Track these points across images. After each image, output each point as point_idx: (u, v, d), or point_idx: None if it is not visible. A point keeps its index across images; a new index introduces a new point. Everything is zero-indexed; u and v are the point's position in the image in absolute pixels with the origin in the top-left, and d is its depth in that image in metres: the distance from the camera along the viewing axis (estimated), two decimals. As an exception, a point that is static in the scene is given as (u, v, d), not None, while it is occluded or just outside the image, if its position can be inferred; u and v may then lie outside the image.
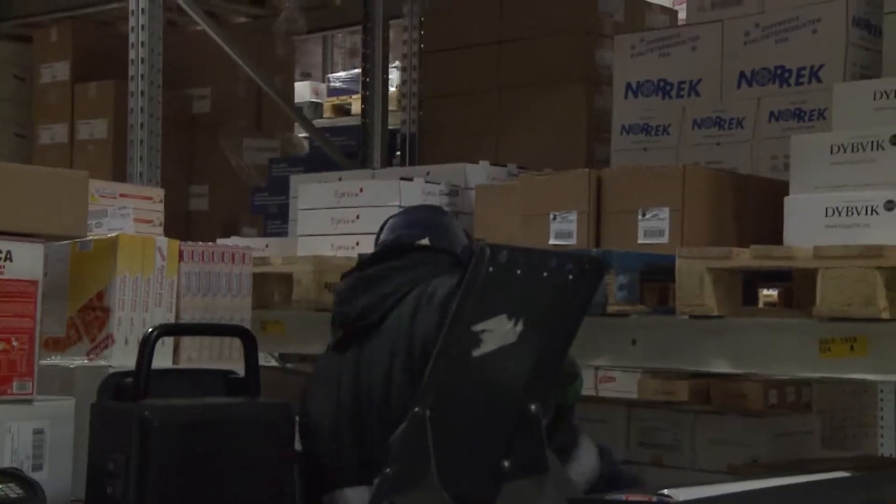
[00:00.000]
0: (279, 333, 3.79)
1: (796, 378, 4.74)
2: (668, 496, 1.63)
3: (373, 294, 2.62)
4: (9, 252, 2.34)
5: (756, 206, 3.41)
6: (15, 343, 2.34)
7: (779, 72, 3.95)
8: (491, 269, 1.70)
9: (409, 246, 2.73)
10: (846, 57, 3.79)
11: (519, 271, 1.75)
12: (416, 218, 2.86)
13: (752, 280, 3.59)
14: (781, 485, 1.74)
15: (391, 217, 2.95)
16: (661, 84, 4.22)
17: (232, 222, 5.61)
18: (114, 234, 2.70)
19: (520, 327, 1.78)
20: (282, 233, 4.76)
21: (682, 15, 5.24)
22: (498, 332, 1.77)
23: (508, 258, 1.72)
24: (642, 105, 4.25)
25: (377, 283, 2.65)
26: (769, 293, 5.46)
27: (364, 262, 2.79)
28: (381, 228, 2.90)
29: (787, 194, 3.16)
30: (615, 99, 4.35)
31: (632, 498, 1.63)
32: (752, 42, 4.01)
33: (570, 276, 1.79)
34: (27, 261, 2.37)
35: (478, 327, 1.76)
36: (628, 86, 4.29)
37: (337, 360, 2.66)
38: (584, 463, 2.56)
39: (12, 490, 2.12)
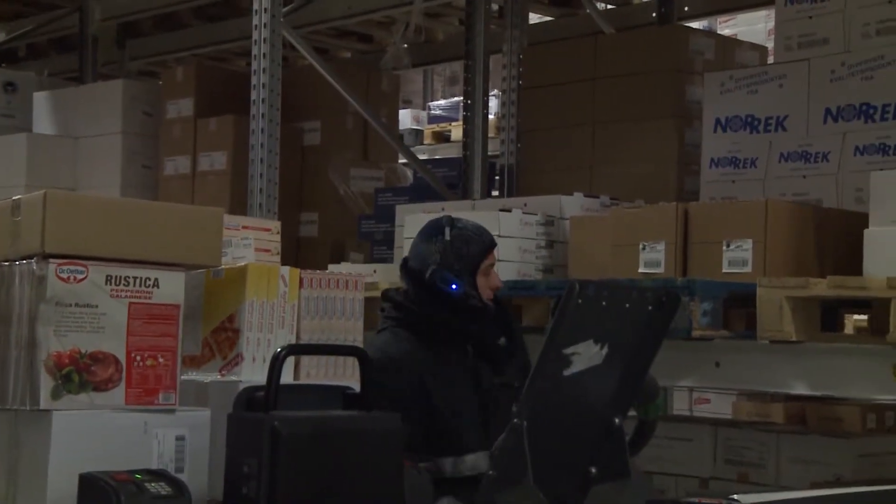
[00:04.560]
0: (386, 353, 4.06)
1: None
2: (736, 500, 1.85)
3: None
4: (156, 279, 2.64)
5: (837, 237, 3.58)
6: (161, 359, 2.64)
7: (864, 108, 4.11)
8: (580, 301, 1.96)
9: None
10: (930, 94, 3.94)
11: (604, 302, 2.01)
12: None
13: (836, 307, 3.76)
14: (842, 493, 1.93)
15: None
16: (749, 119, 4.41)
17: (339, 248, 5.89)
18: (243, 264, 2.99)
19: (605, 350, 2.03)
20: (387, 258, 5.02)
21: (771, 45, 5.41)
22: (586, 354, 2.02)
23: (594, 292, 1.98)
24: (731, 139, 4.44)
25: None
26: (860, 318, 5.55)
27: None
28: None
29: (868, 226, 3.34)
30: (705, 133, 4.55)
31: (703, 500, 1.86)
32: (838, 80, 4.17)
33: (650, 307, 2.03)
34: (171, 287, 2.66)
35: (568, 350, 2.01)
36: (717, 121, 4.49)
37: None
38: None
39: (163, 488, 2.41)
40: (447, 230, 3.30)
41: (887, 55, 4.05)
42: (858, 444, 3.87)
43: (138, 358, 2.59)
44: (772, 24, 4.80)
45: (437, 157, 9.14)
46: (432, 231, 3.36)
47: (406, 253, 4.34)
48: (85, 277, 2.53)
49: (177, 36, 7.18)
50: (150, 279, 2.62)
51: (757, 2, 5.95)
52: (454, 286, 3.24)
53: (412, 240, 3.46)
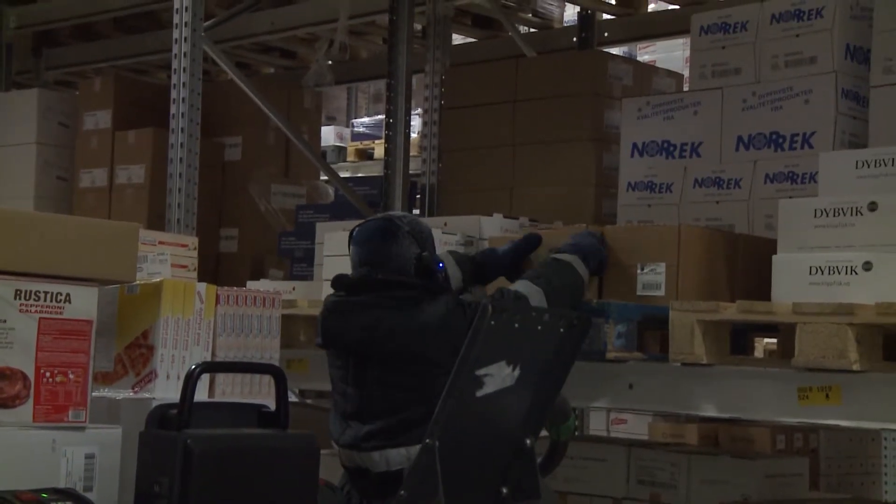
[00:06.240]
0: (303, 371, 4.06)
1: (803, 424, 4.90)
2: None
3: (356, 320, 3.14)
4: (68, 294, 2.60)
5: (747, 263, 3.67)
6: (71, 376, 2.60)
7: (773, 137, 4.22)
8: (493, 322, 1.98)
9: (375, 282, 3.14)
10: (836, 125, 4.06)
11: (516, 325, 2.04)
12: (367, 253, 3.20)
13: (746, 330, 3.85)
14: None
15: (352, 244, 3.26)
16: (665, 145, 4.50)
17: (259, 264, 5.86)
18: (158, 280, 2.96)
19: (517, 372, 2.05)
20: (307, 276, 5.00)
21: (688, 74, 5.53)
22: (498, 375, 2.05)
23: (507, 314, 2.00)
24: (647, 164, 4.52)
25: (358, 312, 3.14)
26: (771, 341, 5.67)
27: (347, 287, 3.22)
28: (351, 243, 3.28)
29: (776, 253, 3.43)
30: (622, 157, 4.62)
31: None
32: (750, 109, 4.28)
33: (561, 329, 2.07)
34: (83, 302, 2.62)
35: (481, 371, 2.03)
36: (634, 146, 4.57)
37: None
38: None
39: (69, 507, 2.38)
40: (398, 222, 3.19)
41: (795, 86, 4.16)
42: (765, 465, 3.95)
43: (48, 374, 2.55)
44: (689, 52, 4.89)
45: (360, 174, 9.13)
46: (386, 230, 3.18)
47: (325, 270, 4.36)
48: (-7, 291, 2.48)
49: (95, 46, 7.07)
50: (61, 294, 2.59)
51: (674, 30, 6.07)
52: (441, 265, 3.21)
53: (363, 249, 3.20)
